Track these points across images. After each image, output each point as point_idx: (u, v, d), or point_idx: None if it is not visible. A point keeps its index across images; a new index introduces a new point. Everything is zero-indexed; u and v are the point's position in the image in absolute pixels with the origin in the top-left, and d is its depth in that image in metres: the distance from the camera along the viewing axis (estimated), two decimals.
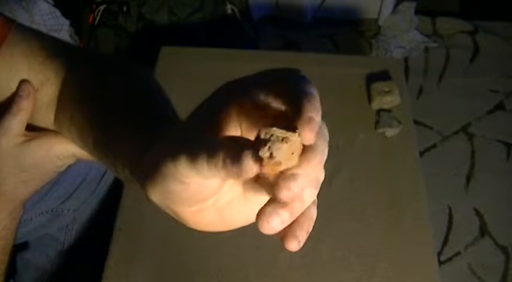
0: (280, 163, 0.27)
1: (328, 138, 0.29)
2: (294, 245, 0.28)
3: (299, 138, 0.27)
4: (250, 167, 0.26)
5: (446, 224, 1.52)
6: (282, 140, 0.27)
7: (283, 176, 0.26)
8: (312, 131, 0.26)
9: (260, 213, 0.27)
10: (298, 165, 0.27)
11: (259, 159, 0.26)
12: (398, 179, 0.95)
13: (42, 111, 0.53)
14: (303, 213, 0.29)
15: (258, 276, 0.84)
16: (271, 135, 0.27)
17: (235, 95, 0.31)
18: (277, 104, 0.30)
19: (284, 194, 0.26)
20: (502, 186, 1.60)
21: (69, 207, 0.95)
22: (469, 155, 1.67)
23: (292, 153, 0.27)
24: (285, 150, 0.27)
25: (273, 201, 0.27)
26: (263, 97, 0.30)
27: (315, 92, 0.28)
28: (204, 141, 0.29)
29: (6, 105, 0.53)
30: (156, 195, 0.33)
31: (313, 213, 0.30)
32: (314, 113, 0.27)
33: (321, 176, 0.29)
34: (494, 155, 1.67)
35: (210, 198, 0.33)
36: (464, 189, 1.59)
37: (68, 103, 0.50)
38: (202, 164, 0.27)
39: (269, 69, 0.31)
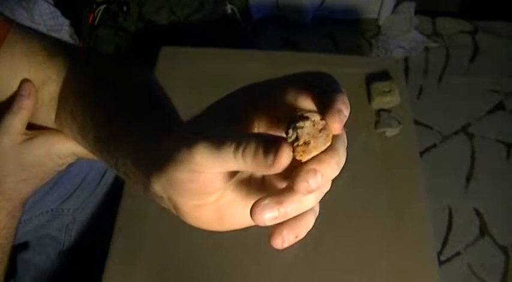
0: (308, 143, 0.27)
1: (346, 144, 0.30)
2: (277, 242, 0.29)
3: (323, 121, 0.28)
4: (286, 156, 0.26)
5: (446, 224, 1.52)
6: (304, 118, 0.27)
7: (303, 169, 0.27)
8: (340, 121, 0.27)
9: (256, 204, 0.27)
10: (319, 162, 0.27)
11: (289, 145, 0.27)
12: (398, 179, 0.95)
13: (43, 110, 0.54)
14: (297, 218, 0.29)
15: (258, 277, 0.84)
16: (294, 117, 0.28)
17: (257, 94, 0.31)
18: (301, 102, 0.30)
19: (303, 187, 0.26)
20: (502, 186, 1.60)
21: (69, 207, 0.95)
22: (469, 155, 1.67)
23: (320, 131, 0.27)
24: (308, 127, 0.27)
25: (271, 196, 0.28)
26: (288, 94, 0.30)
27: (344, 91, 0.29)
28: (228, 132, 0.29)
29: (7, 104, 0.53)
30: (160, 184, 0.33)
31: (309, 222, 0.30)
32: (343, 106, 0.28)
33: (325, 187, 0.30)
34: (494, 155, 1.67)
35: (213, 194, 0.33)
36: (464, 189, 1.59)
37: (69, 100, 0.50)
38: (228, 153, 0.28)
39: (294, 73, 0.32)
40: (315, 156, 0.27)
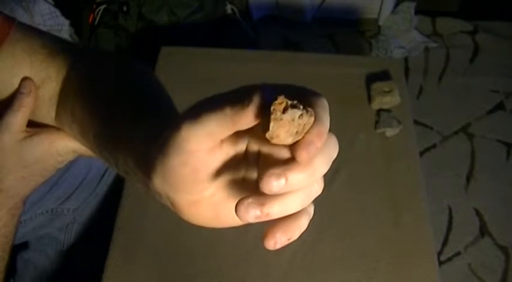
0: (282, 120, 0.27)
1: (333, 157, 0.30)
2: (270, 244, 0.29)
3: (310, 122, 0.28)
4: (257, 95, 0.27)
5: (446, 224, 1.52)
6: (304, 112, 0.28)
7: (269, 171, 0.27)
8: (308, 152, 0.28)
9: (240, 203, 0.28)
10: (285, 169, 0.28)
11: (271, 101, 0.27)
12: (398, 179, 0.95)
13: (43, 108, 0.54)
14: (291, 220, 0.30)
15: (258, 276, 0.84)
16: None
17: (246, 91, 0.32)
18: None
19: (265, 188, 0.27)
20: (502, 186, 1.60)
21: (69, 207, 0.95)
22: (469, 155, 1.67)
23: (296, 133, 0.28)
24: (300, 117, 0.28)
25: (256, 194, 0.28)
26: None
27: (326, 117, 0.29)
28: (205, 104, 0.31)
29: (8, 102, 0.54)
30: (157, 179, 0.34)
31: (303, 224, 0.30)
32: (317, 138, 0.28)
33: (314, 190, 0.30)
34: (494, 155, 1.67)
35: (206, 186, 0.33)
36: (464, 189, 1.59)
37: (69, 99, 0.50)
38: (208, 113, 0.29)
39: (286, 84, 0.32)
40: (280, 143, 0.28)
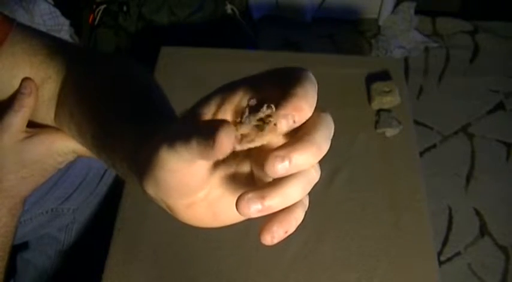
0: (255, 130, 0.28)
1: (332, 133, 0.30)
2: (267, 239, 0.29)
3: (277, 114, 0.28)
4: (225, 135, 0.26)
5: (446, 224, 1.52)
6: (263, 109, 0.28)
7: (272, 154, 0.27)
8: (287, 126, 0.28)
9: (240, 198, 0.28)
10: (289, 150, 0.28)
11: (237, 124, 0.27)
12: (398, 179, 0.95)
13: (43, 108, 0.54)
14: (286, 213, 0.29)
15: (259, 277, 0.84)
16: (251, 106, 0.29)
17: (222, 92, 0.31)
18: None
19: (271, 171, 0.27)
20: (502, 186, 1.60)
21: (69, 207, 0.95)
22: (469, 155, 1.67)
23: (275, 124, 0.28)
24: (262, 115, 0.28)
25: (255, 189, 0.28)
26: (253, 91, 0.30)
27: (300, 89, 0.29)
28: (182, 127, 0.30)
29: (8, 102, 0.54)
30: (150, 187, 0.34)
31: (298, 216, 0.30)
32: (293, 110, 0.28)
33: (312, 177, 0.30)
34: (494, 155, 1.67)
35: (199, 189, 0.33)
36: (464, 189, 1.59)
37: (67, 100, 0.50)
38: (181, 147, 0.29)
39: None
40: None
